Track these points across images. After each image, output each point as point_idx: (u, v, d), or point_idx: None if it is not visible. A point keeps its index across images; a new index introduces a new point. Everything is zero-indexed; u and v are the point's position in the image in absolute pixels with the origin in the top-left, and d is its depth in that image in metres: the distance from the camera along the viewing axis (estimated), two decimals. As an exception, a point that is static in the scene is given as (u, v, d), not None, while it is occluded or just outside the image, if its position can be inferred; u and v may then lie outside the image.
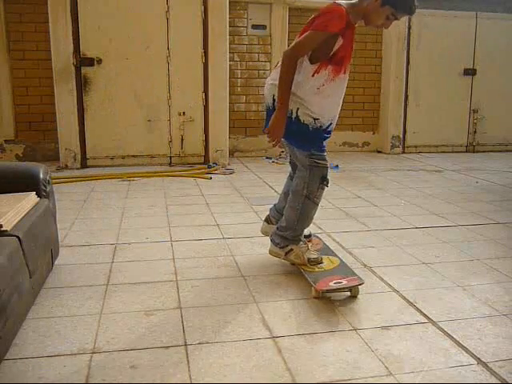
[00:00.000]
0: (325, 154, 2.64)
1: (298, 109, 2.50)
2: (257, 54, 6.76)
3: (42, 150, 6.12)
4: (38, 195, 2.43)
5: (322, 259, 2.64)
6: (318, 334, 2.00)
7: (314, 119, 2.53)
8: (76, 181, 5.06)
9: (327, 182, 2.60)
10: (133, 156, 5.94)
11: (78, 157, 5.73)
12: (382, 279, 2.58)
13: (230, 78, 6.12)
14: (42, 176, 2.51)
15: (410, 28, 7.14)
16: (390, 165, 6.35)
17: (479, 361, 1.82)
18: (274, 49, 6.75)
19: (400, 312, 2.21)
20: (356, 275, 2.46)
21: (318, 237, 3.01)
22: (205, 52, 5.86)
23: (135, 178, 5.17)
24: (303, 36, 2.44)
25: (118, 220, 3.64)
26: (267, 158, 6.72)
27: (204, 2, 5.81)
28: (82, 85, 5.68)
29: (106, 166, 5.80)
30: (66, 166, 5.70)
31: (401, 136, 7.34)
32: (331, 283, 2.37)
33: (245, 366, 1.77)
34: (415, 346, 1.92)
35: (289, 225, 2.64)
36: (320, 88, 2.48)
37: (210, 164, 5.94)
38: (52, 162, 5.78)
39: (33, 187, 2.43)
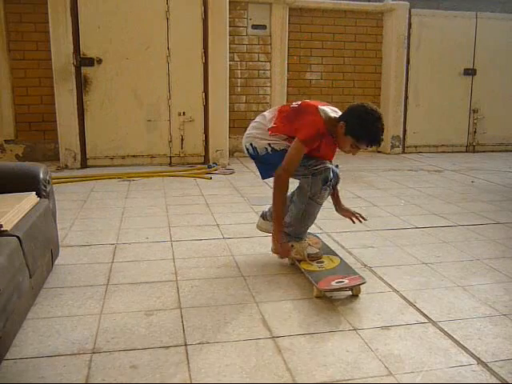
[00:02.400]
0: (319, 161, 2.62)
1: (269, 144, 2.64)
2: (257, 54, 6.76)
3: (42, 150, 6.12)
4: (38, 195, 2.43)
5: (321, 256, 2.67)
6: (318, 334, 2.00)
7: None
8: (76, 181, 5.06)
9: (330, 183, 2.63)
10: (133, 156, 5.95)
11: (78, 157, 5.73)
12: (382, 279, 2.58)
13: (230, 77, 6.12)
14: (42, 176, 2.50)
15: (410, 28, 7.14)
16: (389, 165, 6.36)
17: (479, 361, 1.82)
18: (274, 49, 6.75)
19: (400, 312, 2.21)
20: (357, 274, 2.46)
21: (317, 236, 3.01)
22: (205, 52, 5.86)
23: (135, 178, 5.17)
24: (291, 151, 2.53)
25: (118, 220, 3.64)
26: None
27: (204, 2, 5.81)
28: (82, 85, 5.69)
29: (106, 166, 5.80)
30: (66, 165, 5.70)
31: (401, 136, 7.34)
32: (333, 282, 2.38)
33: (245, 366, 1.77)
34: (415, 346, 1.92)
35: (292, 222, 2.69)
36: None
37: (210, 164, 5.94)
38: (52, 161, 5.78)
39: (33, 187, 2.43)
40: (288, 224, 2.69)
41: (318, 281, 2.40)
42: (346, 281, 2.38)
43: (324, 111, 2.57)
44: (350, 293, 2.38)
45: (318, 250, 2.70)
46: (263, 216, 3.02)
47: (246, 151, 2.80)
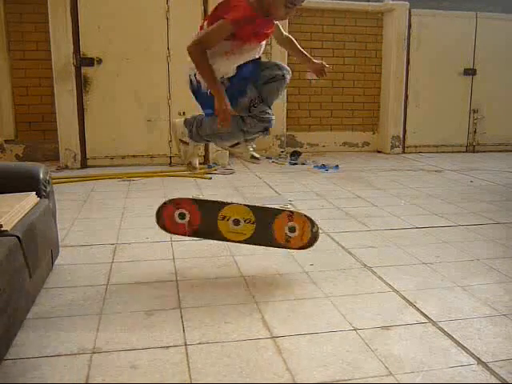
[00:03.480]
0: (264, 107, 2.58)
1: (195, 74, 2.55)
2: (257, 54, 6.75)
3: (42, 150, 6.12)
4: (38, 195, 2.43)
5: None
6: (318, 334, 2.00)
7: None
8: (76, 181, 5.06)
9: (267, 132, 2.66)
10: (133, 156, 5.95)
11: (78, 157, 5.73)
12: (382, 279, 2.58)
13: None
14: (42, 176, 2.50)
15: (410, 28, 7.15)
16: (389, 165, 6.36)
17: (479, 361, 1.82)
18: (274, 49, 6.74)
19: (400, 312, 2.21)
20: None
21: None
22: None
23: (135, 178, 5.17)
24: (213, 26, 2.43)
25: (118, 220, 3.64)
26: (267, 157, 6.71)
27: (204, 2, 5.81)
28: (82, 85, 5.69)
29: (106, 166, 5.80)
30: (66, 166, 5.70)
31: (401, 136, 7.34)
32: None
33: (245, 366, 1.77)
34: (415, 346, 1.92)
35: (205, 129, 2.69)
36: (228, 53, 2.49)
37: (210, 164, 5.94)
38: (52, 161, 5.78)
39: (33, 187, 2.43)
40: (199, 127, 2.70)
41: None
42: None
43: None
44: (349, 292, 2.38)
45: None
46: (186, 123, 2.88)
47: (189, 83, 2.66)
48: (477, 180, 5.35)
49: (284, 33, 2.84)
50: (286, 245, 2.62)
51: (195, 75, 2.58)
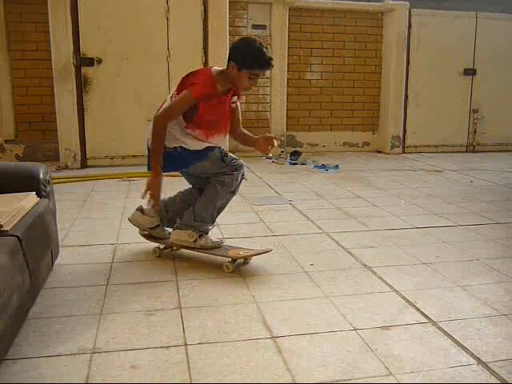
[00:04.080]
0: (233, 155, 2.78)
1: (180, 146, 2.65)
2: (257, 54, 6.74)
3: (42, 150, 6.12)
4: (38, 195, 2.43)
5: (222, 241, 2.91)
6: (318, 334, 2.00)
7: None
8: (76, 181, 5.06)
9: (244, 176, 2.82)
10: (133, 156, 5.94)
11: (78, 157, 5.73)
12: (382, 279, 2.58)
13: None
14: (41, 176, 2.50)
15: (409, 28, 7.15)
16: (389, 165, 6.36)
17: (479, 361, 1.82)
18: (274, 49, 6.74)
19: (400, 312, 2.21)
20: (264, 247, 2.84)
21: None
22: (205, 52, 5.86)
23: (135, 178, 5.17)
24: (177, 99, 2.61)
25: (118, 220, 3.64)
26: (267, 157, 6.71)
27: (204, 2, 5.81)
28: (82, 85, 5.68)
29: (106, 166, 5.79)
30: (66, 165, 5.70)
31: (401, 136, 7.34)
32: (241, 252, 2.73)
33: (245, 366, 1.77)
34: (415, 346, 1.92)
35: (202, 216, 2.77)
36: (198, 137, 2.67)
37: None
38: (52, 161, 5.77)
39: (33, 187, 2.43)
40: (195, 219, 2.76)
41: (225, 254, 2.71)
42: (252, 251, 2.77)
43: (214, 69, 2.68)
44: (349, 292, 2.38)
45: (219, 239, 2.89)
46: (141, 210, 2.95)
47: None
48: (477, 180, 5.35)
49: (240, 127, 2.96)
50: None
51: (181, 146, 2.66)
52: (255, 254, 2.76)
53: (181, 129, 2.65)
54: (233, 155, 2.76)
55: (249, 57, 2.57)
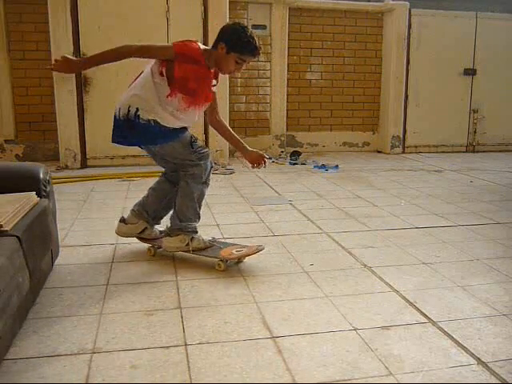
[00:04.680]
0: (201, 143, 2.81)
1: (137, 109, 2.59)
2: (257, 54, 6.75)
3: (42, 150, 6.12)
4: (38, 195, 2.43)
5: (214, 240, 2.91)
6: (318, 334, 2.00)
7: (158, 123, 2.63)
8: (76, 181, 5.06)
9: (213, 165, 2.89)
10: (133, 156, 5.94)
11: (78, 157, 5.73)
12: (382, 279, 2.58)
13: (229, 78, 6.12)
14: (42, 176, 2.50)
15: (410, 28, 7.15)
16: (389, 165, 6.36)
17: (479, 361, 1.82)
18: (274, 49, 6.75)
19: (400, 312, 2.21)
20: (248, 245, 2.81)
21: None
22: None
23: (135, 178, 5.17)
24: (157, 44, 2.64)
25: (118, 220, 3.63)
26: (267, 157, 6.70)
27: (204, 2, 5.81)
28: (82, 85, 5.69)
29: (106, 166, 5.80)
30: (66, 165, 5.70)
31: (401, 136, 7.34)
32: (233, 251, 2.70)
33: (245, 366, 1.77)
34: (415, 346, 1.92)
35: (186, 214, 2.75)
36: (174, 112, 2.63)
37: (210, 164, 5.94)
38: (52, 161, 5.78)
39: (33, 187, 2.43)
40: (181, 220, 2.74)
41: (217, 255, 2.70)
42: (245, 250, 2.73)
43: (201, 44, 2.67)
44: (349, 292, 2.38)
45: (211, 238, 2.90)
46: (123, 220, 2.96)
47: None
48: (477, 180, 5.35)
49: (219, 114, 2.95)
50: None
51: (137, 111, 2.61)
52: (247, 255, 2.73)
53: (160, 100, 2.59)
54: (201, 143, 2.76)
55: (241, 41, 2.57)
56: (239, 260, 2.78)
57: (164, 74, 2.57)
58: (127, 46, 2.60)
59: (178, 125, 2.67)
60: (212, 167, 2.82)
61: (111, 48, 2.56)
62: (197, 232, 2.81)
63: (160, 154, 2.79)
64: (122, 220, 2.95)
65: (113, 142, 2.70)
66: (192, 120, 2.75)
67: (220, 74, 2.78)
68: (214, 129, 3.02)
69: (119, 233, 2.95)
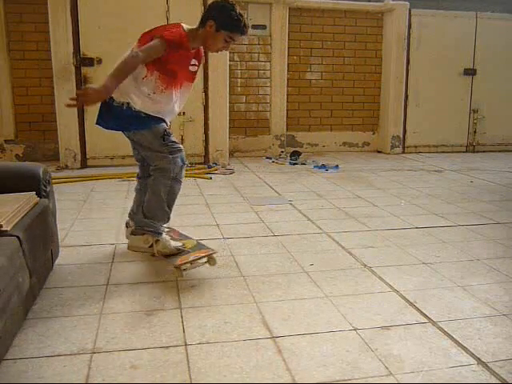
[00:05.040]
0: (174, 138, 2.70)
1: (128, 103, 2.57)
2: (257, 54, 6.76)
3: (42, 150, 6.12)
4: (38, 195, 2.43)
5: (183, 245, 2.75)
6: (318, 334, 2.00)
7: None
8: (76, 181, 5.06)
9: (186, 162, 2.78)
10: (133, 156, 5.93)
11: (78, 157, 5.73)
12: (382, 279, 2.58)
13: (230, 77, 6.12)
14: (42, 176, 2.50)
15: (410, 28, 7.15)
16: (389, 165, 6.36)
17: (479, 361, 1.82)
18: (274, 49, 6.75)
19: (400, 312, 2.21)
20: (210, 248, 2.68)
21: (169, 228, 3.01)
22: (205, 52, 5.84)
23: (135, 178, 5.16)
24: (151, 43, 2.51)
25: (118, 220, 3.63)
26: (267, 157, 6.72)
27: (204, 1, 5.81)
28: (82, 85, 5.68)
29: (106, 166, 5.79)
30: (66, 165, 5.70)
31: (401, 136, 7.34)
32: (191, 257, 2.58)
33: (245, 366, 1.77)
34: (415, 346, 1.92)
35: (153, 212, 2.69)
36: (151, 95, 2.57)
37: (210, 164, 5.94)
38: (52, 161, 5.77)
39: (33, 187, 2.43)
40: (145, 215, 2.69)
41: (174, 262, 2.58)
42: (202, 254, 2.62)
43: (185, 25, 2.61)
44: (349, 292, 2.38)
45: (181, 244, 2.74)
46: (128, 235, 2.93)
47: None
48: (477, 180, 5.35)
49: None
50: None
51: (128, 104, 2.58)
52: (196, 262, 2.57)
53: (137, 83, 2.55)
54: (174, 138, 2.70)
55: (231, 19, 2.56)
56: (210, 262, 2.64)
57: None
58: (135, 57, 2.52)
59: (155, 110, 2.59)
60: (185, 164, 2.74)
61: (122, 62, 2.50)
62: (161, 234, 2.70)
63: (133, 141, 2.77)
64: (127, 225, 2.95)
65: (96, 123, 2.68)
66: (170, 104, 2.66)
67: (207, 56, 2.75)
68: None
69: (132, 248, 2.89)
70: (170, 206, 2.72)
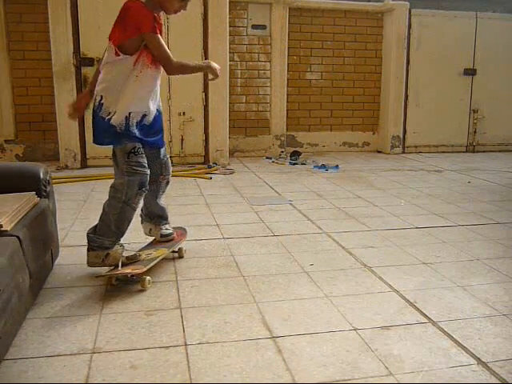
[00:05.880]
0: (142, 159, 2.54)
1: (101, 97, 2.47)
2: (257, 54, 6.76)
3: (42, 150, 6.12)
4: (38, 195, 2.43)
5: (139, 255, 2.61)
6: (318, 334, 2.00)
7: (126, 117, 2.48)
8: (76, 181, 5.06)
9: (146, 189, 2.57)
10: (133, 156, 5.93)
11: (78, 157, 5.74)
12: (381, 279, 2.58)
13: (230, 77, 6.12)
14: (42, 176, 2.51)
15: (410, 28, 7.15)
16: (390, 165, 6.36)
17: (479, 361, 1.82)
18: (274, 49, 6.75)
19: (400, 312, 2.21)
20: (143, 266, 2.46)
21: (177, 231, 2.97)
22: (205, 52, 5.86)
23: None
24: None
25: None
26: (267, 157, 6.72)
27: (204, 2, 5.81)
28: (82, 85, 5.68)
29: (106, 166, 5.78)
30: (66, 166, 5.70)
31: (401, 136, 7.34)
32: (117, 271, 2.43)
33: (245, 366, 1.77)
34: (415, 346, 1.92)
35: (104, 232, 2.54)
36: (139, 75, 2.48)
37: (210, 164, 5.94)
38: (52, 161, 5.78)
39: (33, 187, 2.43)
40: (99, 235, 2.53)
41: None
42: (128, 270, 2.42)
43: (141, 1, 2.51)
44: (349, 292, 2.38)
45: (134, 253, 2.61)
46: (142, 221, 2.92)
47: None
48: (477, 180, 5.35)
49: None
50: None
51: (101, 98, 2.49)
52: (123, 272, 2.44)
53: (129, 74, 2.46)
54: (143, 161, 2.53)
55: None
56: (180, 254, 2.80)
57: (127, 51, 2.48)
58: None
59: (141, 105, 2.50)
60: (143, 191, 2.55)
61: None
62: (108, 248, 2.51)
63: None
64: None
65: (93, 142, 2.60)
66: (155, 85, 2.58)
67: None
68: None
69: (146, 233, 2.91)
70: (119, 228, 2.56)
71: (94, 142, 2.59)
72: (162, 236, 2.84)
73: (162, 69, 2.58)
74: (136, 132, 2.51)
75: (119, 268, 2.47)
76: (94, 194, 4.50)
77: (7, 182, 2.42)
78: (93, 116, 2.53)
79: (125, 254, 2.57)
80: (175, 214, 3.82)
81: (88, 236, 2.55)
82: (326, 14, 7.01)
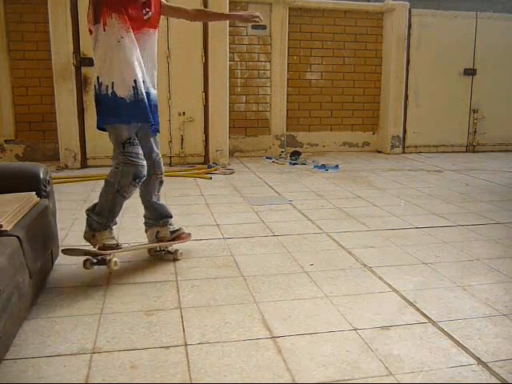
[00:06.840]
0: (138, 150, 2.56)
1: (112, 83, 2.45)
2: (257, 54, 6.76)
3: (42, 150, 6.12)
4: (38, 195, 2.43)
5: (120, 247, 2.65)
6: (318, 334, 2.00)
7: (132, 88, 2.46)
8: (76, 181, 5.06)
9: (140, 181, 2.60)
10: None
11: (78, 157, 5.73)
12: (381, 279, 2.58)
13: (230, 77, 6.12)
14: (42, 176, 2.50)
15: (410, 28, 7.15)
16: (390, 165, 6.36)
17: (479, 361, 1.82)
18: (274, 49, 6.75)
19: (400, 312, 2.21)
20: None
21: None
22: (205, 52, 5.86)
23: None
24: None
25: (118, 220, 3.62)
26: (267, 157, 6.72)
27: (204, 2, 5.81)
28: (82, 85, 5.68)
29: (106, 166, 5.75)
30: (66, 165, 5.70)
31: (401, 136, 7.34)
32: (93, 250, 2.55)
33: (245, 366, 1.77)
34: (415, 346, 1.92)
35: (100, 211, 2.62)
36: (121, 41, 2.41)
37: (210, 164, 5.94)
38: (52, 161, 5.78)
39: (33, 187, 2.43)
40: (97, 213, 2.61)
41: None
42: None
43: None
44: (349, 292, 2.38)
45: (115, 241, 2.64)
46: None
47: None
48: (477, 180, 5.35)
49: (189, 9, 2.83)
50: None
51: (98, 78, 2.48)
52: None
53: (111, 51, 2.40)
54: (139, 151, 2.56)
55: None
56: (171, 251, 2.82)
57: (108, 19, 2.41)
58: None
59: (131, 72, 2.44)
60: (137, 183, 2.58)
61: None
62: (95, 230, 2.59)
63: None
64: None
65: (99, 127, 2.61)
66: (144, 51, 2.51)
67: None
68: (200, 20, 3.03)
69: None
70: (111, 213, 2.63)
71: (98, 126, 2.60)
72: (172, 233, 2.85)
73: (150, 35, 2.55)
74: (146, 102, 2.51)
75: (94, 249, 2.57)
76: (93, 194, 4.49)
77: (7, 181, 2.42)
78: (96, 100, 2.52)
79: (110, 242, 2.60)
80: (175, 214, 3.80)
81: (86, 213, 2.65)
82: (325, 14, 7.01)
